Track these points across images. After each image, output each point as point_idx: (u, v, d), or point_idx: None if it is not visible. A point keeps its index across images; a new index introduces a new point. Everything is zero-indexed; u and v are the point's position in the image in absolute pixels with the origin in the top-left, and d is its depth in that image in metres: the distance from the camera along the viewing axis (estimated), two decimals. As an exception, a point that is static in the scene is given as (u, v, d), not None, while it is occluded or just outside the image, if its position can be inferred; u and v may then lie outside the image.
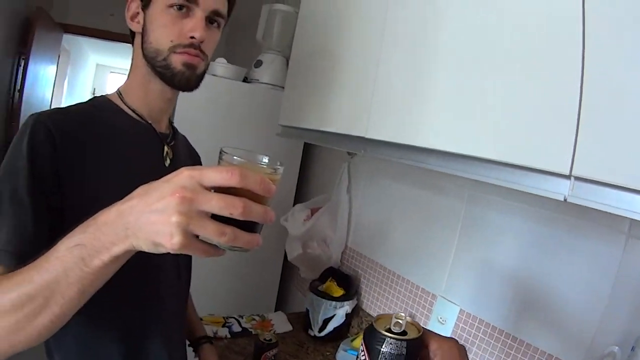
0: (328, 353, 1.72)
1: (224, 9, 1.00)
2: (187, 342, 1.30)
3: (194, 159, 1.27)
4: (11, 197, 0.79)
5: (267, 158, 0.63)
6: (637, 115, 0.71)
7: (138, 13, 0.99)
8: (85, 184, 0.87)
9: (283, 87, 2.22)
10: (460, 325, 1.50)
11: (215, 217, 0.53)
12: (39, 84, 4.04)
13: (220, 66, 2.04)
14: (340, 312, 1.75)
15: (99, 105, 0.99)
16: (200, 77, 1.02)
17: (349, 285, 1.85)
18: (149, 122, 1.03)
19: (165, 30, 0.95)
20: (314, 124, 1.54)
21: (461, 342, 1.36)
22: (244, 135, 2.10)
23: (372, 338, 0.67)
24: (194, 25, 0.94)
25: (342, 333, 1.81)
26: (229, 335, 1.76)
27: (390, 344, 0.65)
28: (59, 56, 5.01)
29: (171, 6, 0.94)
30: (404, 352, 0.65)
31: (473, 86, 0.99)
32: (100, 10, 4.72)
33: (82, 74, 9.14)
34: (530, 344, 1.27)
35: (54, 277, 0.62)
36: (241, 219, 0.53)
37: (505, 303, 1.37)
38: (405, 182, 1.77)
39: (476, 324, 1.45)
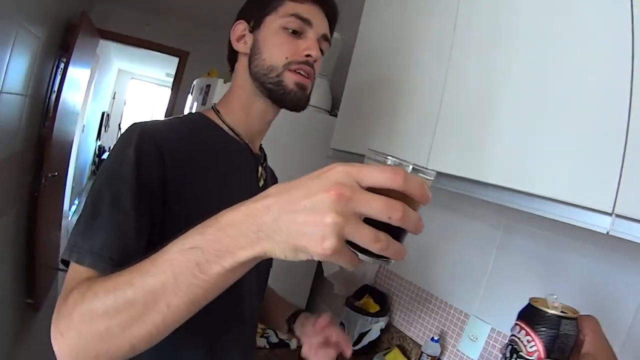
0: None
1: (329, 34, 1.09)
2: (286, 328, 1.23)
3: (274, 181, 1.30)
4: (112, 202, 0.79)
5: (412, 166, 0.54)
6: None
7: (244, 35, 1.07)
8: (187, 198, 0.89)
9: (327, 111, 2.41)
10: (491, 342, 1.67)
11: (365, 221, 0.49)
12: (73, 87, 4.23)
13: None
14: (375, 327, 1.91)
15: (198, 122, 1.04)
16: (309, 98, 1.07)
17: (384, 302, 2.01)
18: (246, 142, 1.08)
19: (281, 48, 1.01)
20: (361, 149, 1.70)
21: (492, 356, 1.57)
22: (291, 155, 2.22)
23: (549, 325, 0.67)
24: (310, 45, 1.02)
25: (375, 347, 1.97)
26: (267, 346, 1.92)
27: (567, 324, 0.67)
28: (94, 61, 5.25)
29: (286, 28, 1.02)
30: (575, 332, 0.68)
31: (532, 126, 1.16)
32: (137, 20, 5.00)
33: (107, 78, 9.34)
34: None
35: (160, 282, 0.57)
36: (397, 224, 0.48)
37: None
38: (440, 207, 1.95)
39: (505, 341, 1.61)
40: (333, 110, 2.49)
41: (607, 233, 1.00)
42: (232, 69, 1.14)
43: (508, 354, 0.68)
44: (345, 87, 1.92)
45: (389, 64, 1.70)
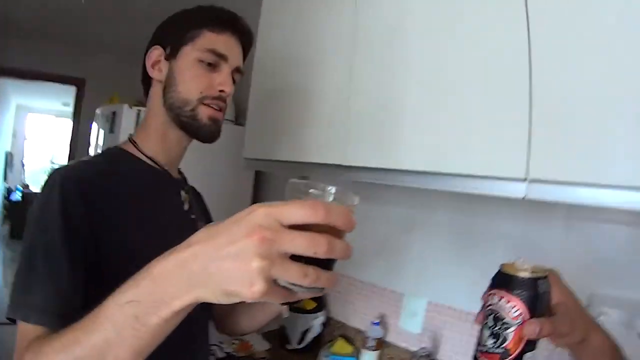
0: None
1: (242, 65, 1.12)
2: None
3: (199, 200, 1.31)
4: (45, 254, 0.81)
5: (334, 188, 0.55)
6: (574, 130, 1.03)
7: (159, 61, 1.06)
8: (118, 234, 0.91)
9: (232, 120, 2.42)
10: (429, 314, 1.80)
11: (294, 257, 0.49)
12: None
13: None
14: (315, 323, 1.97)
15: (117, 156, 1.05)
16: (220, 130, 1.10)
17: (319, 298, 2.08)
18: (165, 169, 1.09)
19: (196, 82, 1.03)
20: (287, 156, 1.73)
21: (432, 329, 1.69)
22: (203, 169, 2.22)
23: (525, 288, 0.69)
24: (224, 80, 1.05)
25: (319, 343, 2.03)
26: (215, 363, 1.91)
27: (542, 284, 0.70)
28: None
29: (202, 61, 1.03)
30: (549, 287, 0.71)
31: (439, 112, 1.27)
32: (30, 51, 4.72)
33: (6, 117, 8.78)
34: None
35: (103, 338, 0.58)
36: (324, 257, 0.49)
37: (469, 286, 1.69)
38: (362, 199, 2.03)
39: (445, 312, 1.75)
40: (238, 120, 2.50)
41: (524, 198, 1.12)
42: (145, 93, 1.13)
43: (492, 323, 0.70)
44: (250, 96, 1.93)
45: (292, 72, 1.74)
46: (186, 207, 1.13)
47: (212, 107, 1.05)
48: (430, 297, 1.81)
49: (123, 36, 4.02)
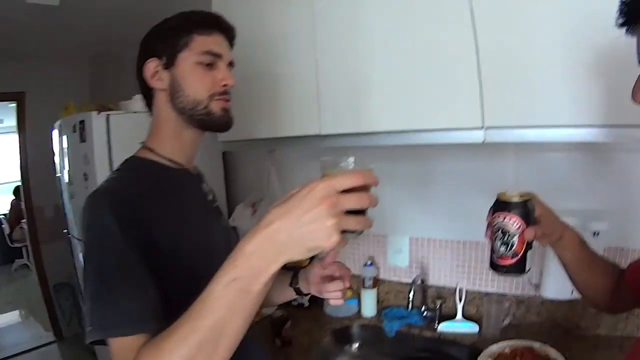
0: (318, 312, 2.19)
1: (233, 59, 1.21)
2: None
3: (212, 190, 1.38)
4: (121, 271, 0.89)
5: (352, 158, 0.74)
6: (517, 82, 1.32)
7: (158, 72, 1.12)
8: (167, 238, 0.99)
9: None
10: (414, 248, 2.10)
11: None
12: None
13: (137, 102, 2.19)
14: (305, 299, 2.21)
15: (141, 166, 1.12)
16: (232, 118, 1.19)
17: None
18: (185, 167, 1.18)
19: (202, 83, 1.11)
20: (265, 133, 1.91)
21: (419, 261, 1.99)
22: None
23: (519, 208, 0.98)
24: (225, 75, 1.14)
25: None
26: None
27: (530, 203, 0.99)
28: None
29: (201, 63, 1.11)
30: (534, 206, 1.00)
31: (402, 79, 1.51)
32: None
33: None
34: (480, 241, 1.93)
35: (220, 316, 0.69)
36: (367, 207, 0.67)
37: (441, 219, 2.00)
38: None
39: (426, 244, 2.07)
40: None
41: (483, 142, 1.41)
42: (149, 103, 1.19)
43: (501, 235, 1.00)
44: None
45: (259, 58, 1.87)
46: (210, 197, 1.27)
47: (222, 100, 1.14)
48: (411, 233, 2.11)
49: (60, 45, 3.91)
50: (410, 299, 1.96)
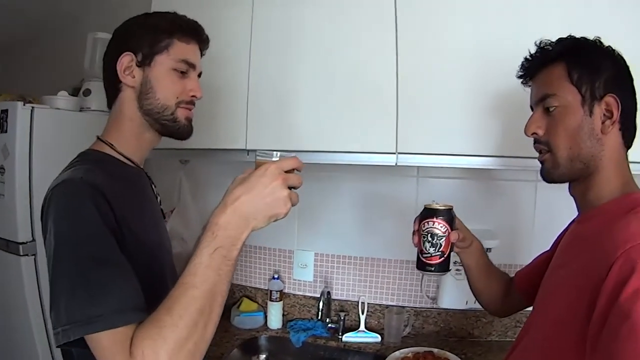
0: (225, 323, 2.24)
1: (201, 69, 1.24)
2: None
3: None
4: (104, 261, 0.87)
5: (279, 152, 0.93)
6: (425, 116, 1.51)
7: (131, 68, 1.12)
8: (130, 232, 1.00)
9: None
10: (318, 263, 2.23)
11: None
12: None
13: (62, 100, 2.20)
14: None
15: (100, 159, 1.11)
16: (192, 127, 1.22)
17: None
18: (140, 167, 1.21)
19: (172, 89, 1.14)
20: (182, 143, 1.95)
21: (322, 275, 2.13)
22: None
23: (445, 215, 1.20)
24: (195, 86, 1.17)
25: (228, 304, 2.34)
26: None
27: (452, 211, 1.22)
28: None
29: (175, 70, 1.14)
30: (454, 214, 1.24)
31: (328, 102, 1.67)
32: None
33: None
34: (381, 258, 2.12)
35: (212, 282, 0.81)
36: (299, 186, 0.88)
37: (348, 236, 2.16)
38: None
39: (330, 259, 2.21)
40: None
41: (396, 165, 1.60)
42: (112, 96, 1.18)
43: (430, 238, 1.20)
44: None
45: None
46: (158, 199, 1.33)
47: (186, 109, 1.18)
48: (316, 249, 2.24)
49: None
50: (320, 311, 2.09)
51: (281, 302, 2.19)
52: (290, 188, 0.87)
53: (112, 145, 1.14)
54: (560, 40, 1.04)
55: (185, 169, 2.34)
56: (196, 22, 1.21)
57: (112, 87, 1.16)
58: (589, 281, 0.84)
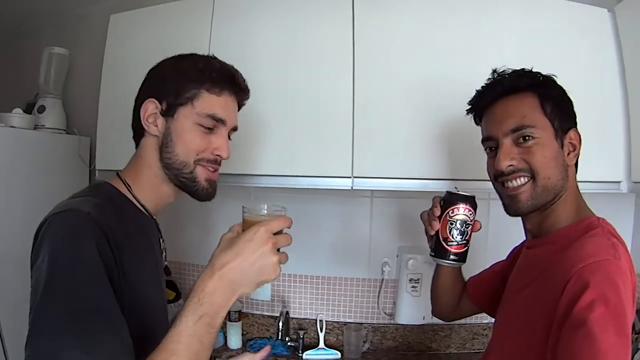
0: None
1: (237, 123, 1.17)
2: None
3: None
4: (96, 308, 0.82)
5: (266, 205, 0.95)
6: (377, 143, 1.65)
7: (155, 114, 1.06)
8: (128, 280, 0.93)
9: (64, 130, 2.49)
10: (276, 283, 2.33)
11: None
12: None
13: (17, 118, 2.16)
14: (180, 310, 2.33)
15: (113, 197, 1.04)
16: (216, 189, 1.15)
17: (175, 288, 2.43)
18: (153, 217, 1.14)
19: (193, 147, 1.06)
20: None
21: (280, 294, 2.24)
22: (45, 185, 2.18)
23: (473, 202, 1.16)
24: (221, 145, 1.09)
25: None
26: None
27: (474, 197, 1.17)
28: None
29: (200, 124, 1.06)
30: None
31: (286, 126, 1.77)
32: None
33: None
34: (338, 276, 2.25)
35: (195, 351, 0.81)
36: (287, 245, 0.89)
37: (305, 256, 2.27)
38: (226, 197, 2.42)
39: (287, 279, 2.32)
40: (69, 128, 2.56)
41: (352, 188, 1.73)
42: (138, 136, 1.13)
43: (459, 225, 1.16)
44: (99, 109, 2.08)
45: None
46: (164, 254, 1.24)
47: (208, 170, 1.10)
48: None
49: None
50: (280, 330, 2.19)
51: (240, 322, 2.27)
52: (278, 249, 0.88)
53: (130, 186, 1.08)
54: (522, 70, 1.09)
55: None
56: (233, 68, 1.13)
57: (138, 129, 1.11)
58: (546, 301, 0.92)
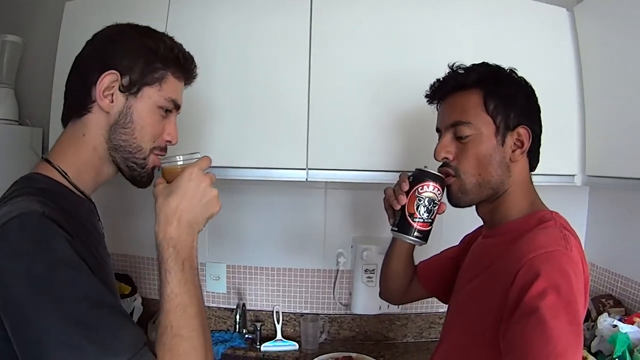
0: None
1: None
2: None
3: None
4: (99, 301, 0.79)
5: (181, 155, 1.00)
6: (327, 135, 1.72)
7: (111, 89, 0.98)
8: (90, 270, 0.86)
9: (16, 121, 2.43)
10: (231, 275, 2.36)
11: None
12: None
13: None
14: (137, 305, 2.31)
15: (53, 190, 0.94)
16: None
17: (130, 282, 2.41)
18: (92, 199, 1.06)
19: (152, 131, 1.03)
20: None
21: (236, 286, 2.27)
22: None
23: (442, 182, 1.13)
24: (172, 131, 1.08)
25: (146, 320, 2.31)
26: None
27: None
28: None
29: (161, 107, 1.03)
30: None
31: (241, 117, 1.79)
32: None
33: None
34: (293, 268, 2.29)
35: (196, 294, 0.88)
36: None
37: (260, 248, 2.32)
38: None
39: (243, 270, 2.35)
40: (22, 119, 2.49)
41: (306, 180, 1.78)
42: (74, 113, 1.03)
43: (427, 202, 1.15)
44: (52, 100, 2.02)
45: None
46: (104, 233, 1.13)
47: (157, 157, 1.07)
48: (228, 261, 2.36)
49: None
50: (237, 323, 2.20)
51: (197, 314, 2.27)
52: None
53: (65, 173, 0.98)
54: (475, 66, 1.12)
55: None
56: (191, 55, 1.11)
57: (79, 103, 1.01)
58: (497, 290, 0.96)
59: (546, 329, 0.81)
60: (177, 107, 1.08)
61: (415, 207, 1.16)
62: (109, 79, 0.97)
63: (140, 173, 1.05)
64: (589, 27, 1.81)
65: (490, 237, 1.15)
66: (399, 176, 1.23)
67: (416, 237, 1.17)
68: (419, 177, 1.17)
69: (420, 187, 1.16)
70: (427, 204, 1.15)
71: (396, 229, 1.21)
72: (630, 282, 1.96)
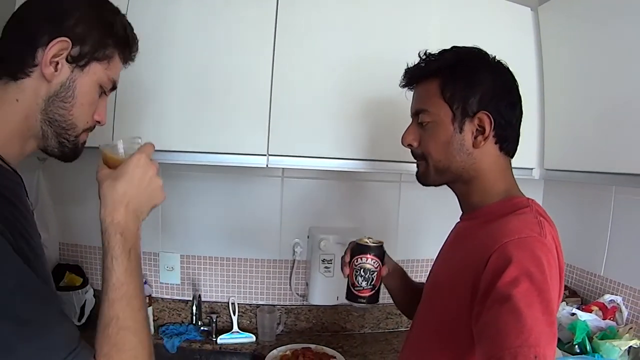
0: (92, 333, 2.24)
1: None
2: None
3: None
4: (30, 295, 0.76)
5: (121, 140, 0.99)
6: (290, 122, 1.73)
7: (59, 57, 0.91)
8: (28, 250, 0.83)
9: None
10: (185, 266, 2.35)
11: None
12: None
13: None
14: (88, 297, 2.26)
15: None
16: None
17: (82, 273, 2.36)
18: (18, 172, 0.96)
19: (89, 110, 0.99)
20: None
21: (190, 277, 2.28)
22: None
23: (377, 251, 1.30)
24: (103, 112, 1.04)
25: (96, 313, 2.32)
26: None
27: (383, 246, 1.32)
28: None
29: (102, 86, 1.00)
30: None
31: (201, 103, 1.78)
32: None
33: None
34: (249, 258, 2.30)
35: (140, 284, 0.87)
36: None
37: (215, 237, 2.32)
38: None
39: (197, 261, 2.34)
40: None
41: (267, 166, 1.79)
42: (10, 74, 0.91)
43: (363, 273, 1.29)
44: None
45: None
46: (34, 213, 1.02)
47: (85, 136, 1.04)
48: (181, 251, 2.35)
49: None
50: (194, 314, 2.21)
51: (150, 307, 2.27)
52: None
53: None
54: (442, 52, 1.16)
55: (43, 167, 2.25)
56: (138, 41, 1.09)
57: (17, 63, 0.91)
58: (469, 273, 0.98)
59: (520, 317, 0.82)
60: (114, 89, 1.05)
61: (354, 278, 1.32)
62: (59, 46, 0.90)
63: (67, 150, 1.00)
64: (551, 26, 1.94)
65: (467, 221, 1.20)
66: (348, 244, 1.38)
67: (361, 302, 1.33)
68: (355, 249, 1.33)
69: (357, 259, 1.32)
70: (363, 274, 1.30)
71: (345, 296, 1.36)
72: (585, 274, 2.09)
